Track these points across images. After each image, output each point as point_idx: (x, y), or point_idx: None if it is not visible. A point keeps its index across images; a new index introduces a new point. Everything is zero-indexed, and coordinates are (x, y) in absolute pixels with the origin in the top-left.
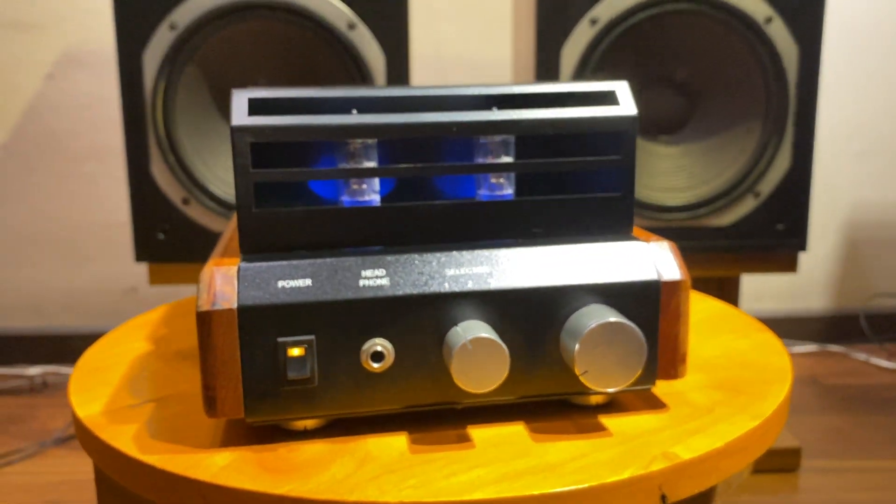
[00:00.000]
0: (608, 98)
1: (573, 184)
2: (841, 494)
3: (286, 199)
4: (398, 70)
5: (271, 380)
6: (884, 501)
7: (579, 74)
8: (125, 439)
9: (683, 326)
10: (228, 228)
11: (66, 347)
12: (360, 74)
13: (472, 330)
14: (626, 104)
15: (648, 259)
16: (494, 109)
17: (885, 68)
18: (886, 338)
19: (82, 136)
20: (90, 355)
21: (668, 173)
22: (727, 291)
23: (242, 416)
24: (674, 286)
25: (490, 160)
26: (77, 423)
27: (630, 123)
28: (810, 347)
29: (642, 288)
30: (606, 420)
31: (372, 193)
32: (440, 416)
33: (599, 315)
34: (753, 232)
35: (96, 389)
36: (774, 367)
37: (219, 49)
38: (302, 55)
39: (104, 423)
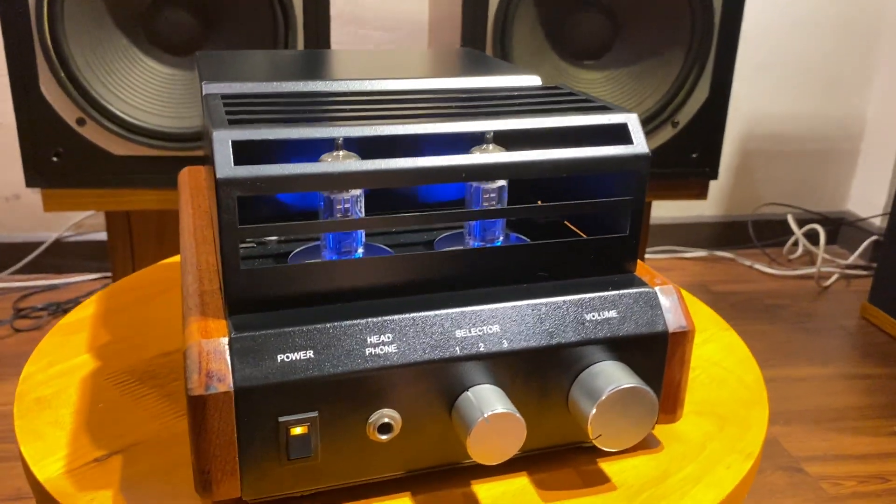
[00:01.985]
0: (620, 134)
1: (574, 221)
2: None
3: (261, 211)
4: None
5: (271, 459)
6: None
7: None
8: None
9: (686, 373)
10: (186, 235)
11: None
12: None
13: (488, 401)
14: (638, 142)
15: (657, 308)
16: (490, 135)
17: None
18: (769, 243)
19: None
20: (28, 378)
21: None
22: None
23: (239, 496)
24: (681, 336)
25: (484, 193)
26: (37, 488)
27: (644, 163)
28: (701, 253)
29: (651, 340)
30: (607, 466)
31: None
32: (443, 475)
33: (614, 378)
34: (668, 160)
35: (48, 435)
36: (748, 383)
37: None
38: None
39: (71, 489)
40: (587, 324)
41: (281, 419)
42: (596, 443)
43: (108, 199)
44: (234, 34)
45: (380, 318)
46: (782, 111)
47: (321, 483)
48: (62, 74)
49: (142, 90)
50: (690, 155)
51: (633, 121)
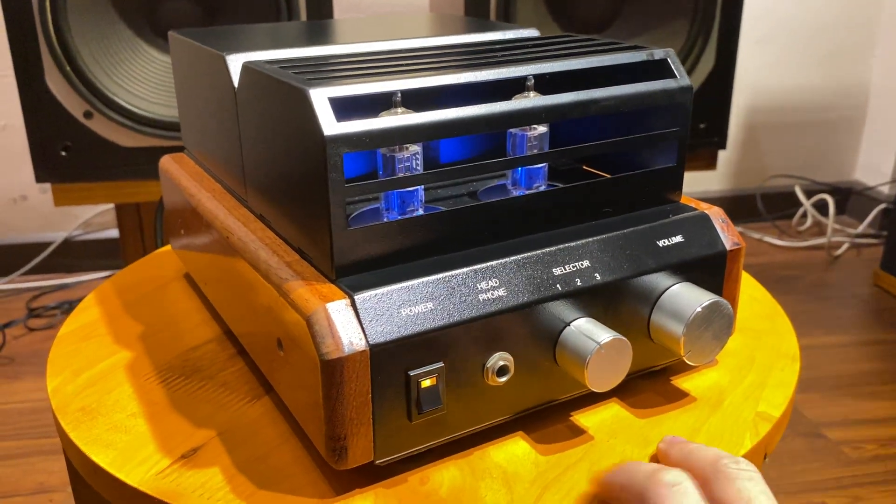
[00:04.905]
0: (662, 69)
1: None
2: None
3: None
4: None
5: (402, 416)
6: None
7: None
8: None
9: (738, 289)
10: (222, 217)
11: None
12: None
13: (595, 331)
14: (681, 75)
15: (714, 230)
16: (531, 81)
17: None
18: (778, 216)
19: None
20: (59, 391)
21: None
22: None
23: (371, 459)
24: (735, 253)
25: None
26: (130, 493)
27: (688, 95)
28: None
29: (713, 258)
30: (680, 384)
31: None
32: (544, 412)
33: (695, 297)
34: None
35: (117, 441)
36: (758, 298)
37: None
38: None
39: (172, 487)
40: (661, 250)
41: (411, 373)
42: (686, 359)
43: (117, 191)
44: (237, 21)
45: (486, 264)
46: (786, 83)
47: (445, 435)
48: (67, 68)
49: (147, 81)
50: (699, 125)
51: (672, 55)
